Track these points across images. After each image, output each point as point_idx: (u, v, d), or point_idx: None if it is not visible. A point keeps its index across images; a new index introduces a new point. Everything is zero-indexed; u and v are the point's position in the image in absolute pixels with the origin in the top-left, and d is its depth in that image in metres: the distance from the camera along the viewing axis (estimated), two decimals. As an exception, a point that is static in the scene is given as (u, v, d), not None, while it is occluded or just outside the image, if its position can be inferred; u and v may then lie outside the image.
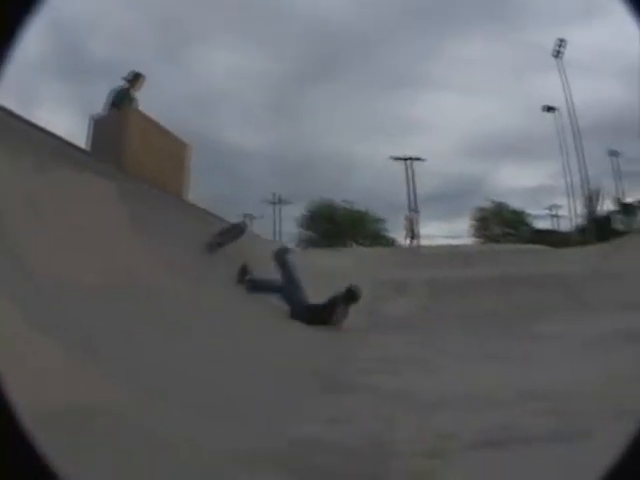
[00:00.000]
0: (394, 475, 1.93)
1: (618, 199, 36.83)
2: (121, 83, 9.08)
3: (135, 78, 9.19)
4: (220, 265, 7.59)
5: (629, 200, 36.72)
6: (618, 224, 36.03)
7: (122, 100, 8.80)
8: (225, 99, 64.14)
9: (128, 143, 7.72)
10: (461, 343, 6.37)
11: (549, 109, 34.99)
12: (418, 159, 38.44)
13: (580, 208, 35.26)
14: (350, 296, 7.83)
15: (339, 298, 7.78)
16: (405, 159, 38.47)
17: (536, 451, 2.14)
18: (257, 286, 7.99)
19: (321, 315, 7.58)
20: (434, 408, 2.98)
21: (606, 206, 36.66)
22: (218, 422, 2.49)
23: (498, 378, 3.87)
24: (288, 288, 8.04)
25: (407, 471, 1.96)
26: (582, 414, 2.67)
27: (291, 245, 34.00)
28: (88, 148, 7.62)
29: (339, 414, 2.84)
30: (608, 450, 1.83)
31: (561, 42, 33.77)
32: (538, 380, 3.66)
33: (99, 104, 8.93)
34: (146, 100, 9.36)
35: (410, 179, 37.88)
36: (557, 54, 33.77)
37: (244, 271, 8.01)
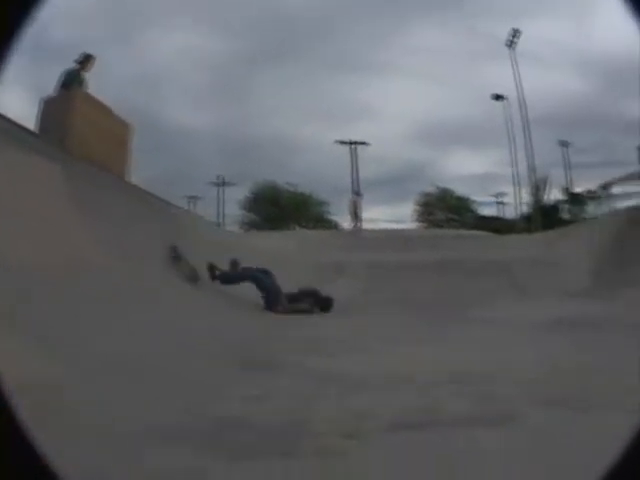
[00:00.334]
0: (307, 453, 1.93)
1: (566, 189, 37.67)
2: (73, 65, 9.13)
3: (86, 59, 9.21)
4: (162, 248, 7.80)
5: (578, 190, 37.54)
6: (566, 213, 37.05)
7: (72, 81, 8.84)
8: (173, 80, 62.32)
9: (73, 124, 7.83)
10: (397, 326, 6.55)
11: (498, 97, 35.20)
12: (363, 143, 38.39)
13: (526, 196, 35.75)
14: (325, 305, 8.44)
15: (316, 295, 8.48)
16: (350, 143, 38.52)
17: (453, 434, 2.15)
18: (229, 279, 8.53)
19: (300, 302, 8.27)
20: (359, 389, 2.98)
21: (554, 195, 37.40)
22: (141, 399, 2.54)
23: (430, 362, 3.87)
24: (259, 275, 8.51)
25: (321, 450, 1.96)
26: (510, 399, 2.67)
27: (234, 227, 34.32)
28: (37, 130, 7.72)
29: (261, 392, 2.83)
30: (527, 436, 2.12)
31: (515, 32, 33.84)
32: (471, 365, 3.68)
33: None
34: (96, 81, 9.41)
35: (354, 163, 38.05)
36: (510, 44, 33.98)
37: (212, 269, 8.43)
